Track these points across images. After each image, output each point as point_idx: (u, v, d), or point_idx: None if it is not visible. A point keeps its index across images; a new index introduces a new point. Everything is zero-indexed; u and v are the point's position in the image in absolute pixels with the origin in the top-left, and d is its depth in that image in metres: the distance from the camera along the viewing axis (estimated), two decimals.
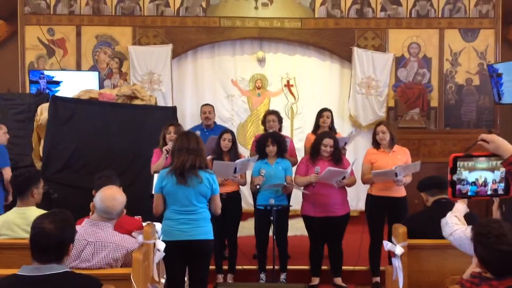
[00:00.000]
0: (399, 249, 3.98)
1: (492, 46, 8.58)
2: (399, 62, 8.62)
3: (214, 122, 7.24)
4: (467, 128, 8.60)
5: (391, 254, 4.17)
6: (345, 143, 6.34)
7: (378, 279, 5.80)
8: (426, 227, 4.13)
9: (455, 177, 2.75)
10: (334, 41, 8.56)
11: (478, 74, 8.62)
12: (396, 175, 5.45)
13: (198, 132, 6.34)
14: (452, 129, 8.63)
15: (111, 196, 3.54)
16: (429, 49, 8.62)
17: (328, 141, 5.65)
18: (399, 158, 5.68)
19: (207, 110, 7.11)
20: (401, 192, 5.67)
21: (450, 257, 3.87)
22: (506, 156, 2.55)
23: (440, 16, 8.61)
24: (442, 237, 4.06)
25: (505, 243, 2.46)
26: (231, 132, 6.00)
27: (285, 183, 5.68)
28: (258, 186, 5.64)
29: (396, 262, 4.02)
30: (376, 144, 5.80)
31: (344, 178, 5.51)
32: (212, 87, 8.73)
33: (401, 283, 3.95)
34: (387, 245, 4.12)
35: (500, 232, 2.49)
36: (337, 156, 5.67)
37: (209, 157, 5.55)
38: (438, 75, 8.63)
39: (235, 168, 5.57)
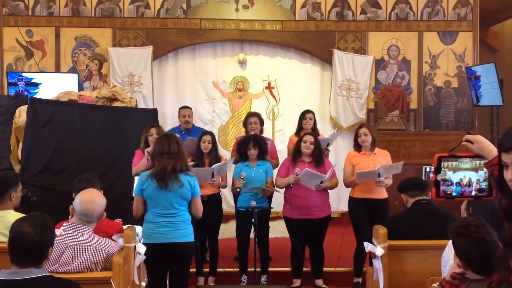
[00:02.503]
0: (379, 250, 4.01)
1: (470, 48, 8.68)
2: (379, 64, 8.68)
3: (193, 125, 7.21)
4: (446, 130, 8.69)
5: (371, 255, 4.19)
6: (328, 144, 6.37)
7: (360, 279, 5.82)
8: (406, 228, 4.17)
9: (439, 177, 2.75)
10: (314, 43, 8.59)
11: (456, 76, 8.71)
12: (379, 175, 5.49)
13: (177, 135, 6.32)
14: (431, 131, 8.71)
15: (90, 199, 3.52)
16: (408, 52, 8.70)
17: (308, 137, 5.69)
18: (380, 161, 5.72)
19: (186, 113, 7.07)
20: (382, 194, 5.72)
21: (431, 258, 3.90)
22: (489, 158, 2.56)
23: (419, 19, 8.69)
24: (422, 238, 4.11)
25: (485, 233, 2.50)
26: (211, 134, 5.99)
27: (263, 186, 5.69)
28: (238, 189, 5.66)
29: (377, 263, 4.05)
30: (357, 146, 5.83)
31: (322, 181, 5.53)
32: (193, 89, 8.70)
33: (381, 284, 3.98)
34: (367, 246, 4.15)
35: (479, 223, 2.54)
36: (318, 158, 5.69)
37: (191, 163, 5.53)
38: (417, 77, 8.70)
39: (213, 173, 5.57)
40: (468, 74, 8.12)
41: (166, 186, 4.18)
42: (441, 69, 8.72)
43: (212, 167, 5.58)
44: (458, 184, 2.76)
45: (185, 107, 7.28)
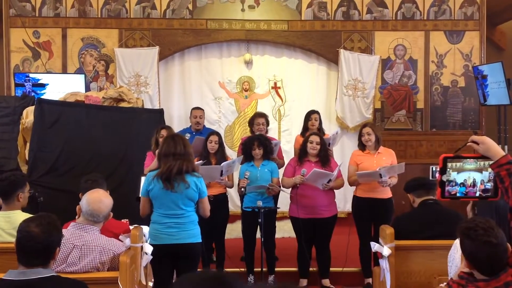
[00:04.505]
0: (386, 250, 3.99)
1: (477, 47, 8.65)
2: (385, 64, 8.66)
3: (204, 126, 7.21)
4: (452, 130, 8.66)
5: (378, 255, 4.18)
6: (329, 144, 6.33)
7: (370, 280, 5.80)
8: (413, 228, 4.16)
9: (444, 178, 2.75)
10: (320, 43, 8.58)
11: (463, 75, 8.68)
12: (380, 176, 5.48)
13: (187, 135, 6.32)
14: (438, 131, 8.68)
15: (97, 199, 3.52)
16: (414, 51, 8.67)
17: (314, 138, 5.69)
18: (384, 160, 5.71)
19: (198, 114, 7.07)
20: (386, 193, 5.70)
21: (438, 257, 3.89)
22: (495, 159, 2.56)
23: (425, 18, 8.67)
24: (430, 238, 4.09)
25: (493, 236, 2.49)
26: (218, 134, 6.00)
27: (267, 185, 5.68)
28: (243, 189, 5.66)
29: (384, 263, 4.03)
30: (361, 145, 5.83)
31: (330, 181, 5.52)
32: (199, 90, 8.71)
33: (388, 284, 3.97)
34: (374, 246, 4.14)
35: (487, 225, 2.53)
36: (324, 158, 5.68)
37: (199, 162, 5.53)
38: (424, 77, 8.68)
39: (221, 171, 5.57)
40: (475, 73, 8.09)
41: (172, 187, 4.17)
42: (447, 69, 8.69)
43: (221, 165, 5.58)
44: (463, 184, 2.76)
45: (197, 108, 7.27)
